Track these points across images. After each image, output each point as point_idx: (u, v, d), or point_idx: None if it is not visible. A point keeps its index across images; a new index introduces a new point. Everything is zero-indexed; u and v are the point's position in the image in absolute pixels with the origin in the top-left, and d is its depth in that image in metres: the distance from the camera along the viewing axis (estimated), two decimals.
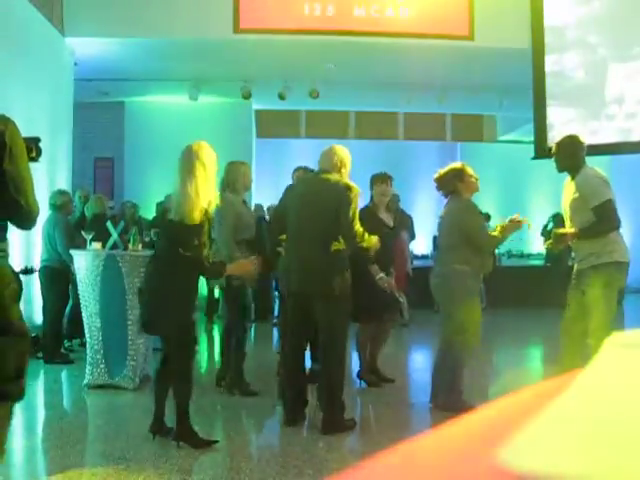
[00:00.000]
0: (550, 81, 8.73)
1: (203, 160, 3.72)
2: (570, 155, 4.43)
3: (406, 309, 9.03)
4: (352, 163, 4.52)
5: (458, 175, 4.66)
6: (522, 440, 0.35)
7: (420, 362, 7.62)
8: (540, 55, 8.69)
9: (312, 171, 5.36)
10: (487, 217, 4.88)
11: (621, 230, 4.43)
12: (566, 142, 4.49)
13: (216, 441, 3.93)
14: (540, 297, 10.24)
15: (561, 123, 8.66)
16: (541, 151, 8.47)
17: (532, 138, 9.18)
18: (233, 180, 5.10)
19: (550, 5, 8.65)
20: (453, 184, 4.66)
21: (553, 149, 4.55)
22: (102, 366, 5.25)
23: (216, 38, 8.54)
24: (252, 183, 5.45)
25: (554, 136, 8.61)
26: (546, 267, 11.58)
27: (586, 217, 4.30)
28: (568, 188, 4.52)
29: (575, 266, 4.57)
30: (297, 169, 5.68)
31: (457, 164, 4.84)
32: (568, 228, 4.47)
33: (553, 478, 0.31)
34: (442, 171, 4.74)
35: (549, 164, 4.69)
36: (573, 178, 4.43)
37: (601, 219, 4.27)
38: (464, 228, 4.57)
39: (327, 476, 3.34)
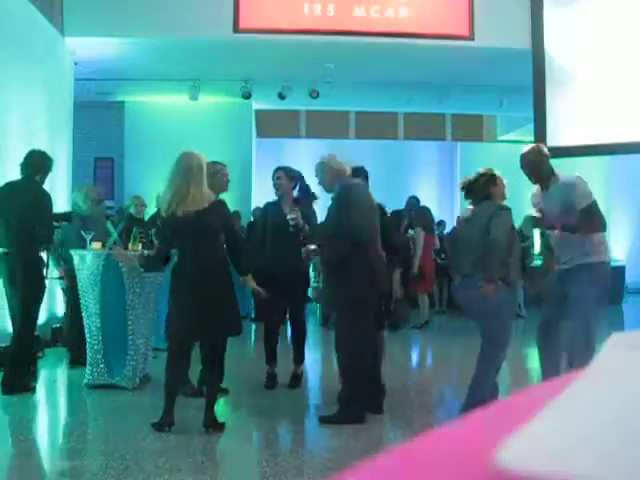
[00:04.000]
0: (554, 79, 8.70)
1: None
2: (537, 170, 4.33)
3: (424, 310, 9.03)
4: (352, 163, 4.60)
5: (492, 180, 4.43)
6: (521, 440, 0.35)
7: (420, 362, 7.62)
8: (540, 54, 8.68)
9: (295, 172, 5.56)
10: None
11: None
12: (529, 158, 4.35)
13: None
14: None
15: (564, 121, 8.64)
16: None
17: (532, 138, 9.17)
18: None
19: (555, 2, 8.62)
20: (487, 189, 4.40)
21: (520, 163, 4.39)
22: (102, 366, 5.25)
23: (216, 38, 8.54)
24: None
25: (556, 135, 8.62)
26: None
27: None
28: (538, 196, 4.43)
29: (557, 267, 4.41)
30: (277, 169, 5.63)
31: (486, 170, 4.54)
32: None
33: (552, 479, 0.31)
34: (471, 178, 4.46)
35: None
36: (546, 188, 4.34)
37: (592, 218, 4.14)
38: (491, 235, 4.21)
39: (327, 476, 3.34)
